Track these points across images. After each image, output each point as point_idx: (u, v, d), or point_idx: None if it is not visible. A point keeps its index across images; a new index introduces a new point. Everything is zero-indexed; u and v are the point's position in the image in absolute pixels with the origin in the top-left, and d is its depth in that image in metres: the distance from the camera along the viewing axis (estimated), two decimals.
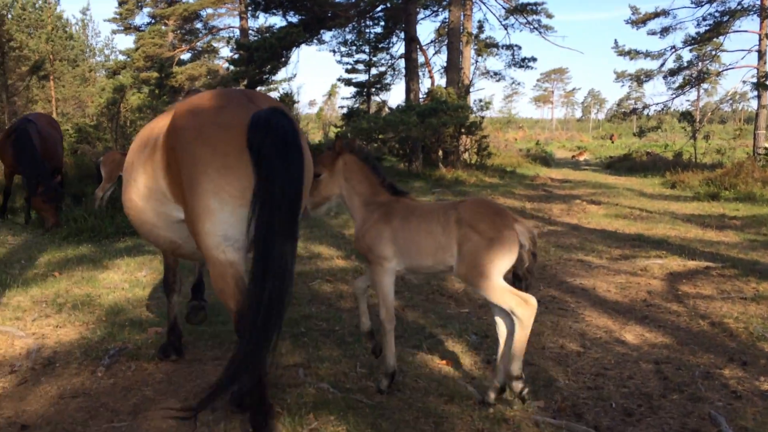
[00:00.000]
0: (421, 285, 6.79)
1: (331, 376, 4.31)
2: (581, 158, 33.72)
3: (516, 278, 3.76)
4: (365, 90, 28.93)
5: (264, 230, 3.18)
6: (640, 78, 29.17)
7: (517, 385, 3.69)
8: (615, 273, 7.44)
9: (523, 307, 3.56)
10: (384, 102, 29.51)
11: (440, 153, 19.82)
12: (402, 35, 24.94)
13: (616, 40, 27.94)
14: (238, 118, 3.36)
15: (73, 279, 6.70)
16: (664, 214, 12.03)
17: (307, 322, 5.46)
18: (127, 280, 6.71)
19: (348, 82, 29.10)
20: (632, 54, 27.36)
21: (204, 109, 3.51)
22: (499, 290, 3.59)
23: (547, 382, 4.30)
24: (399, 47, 27.60)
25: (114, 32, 36.57)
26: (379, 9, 21.14)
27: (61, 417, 3.73)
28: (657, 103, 28.79)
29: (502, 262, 3.63)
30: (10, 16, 26.66)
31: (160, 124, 3.86)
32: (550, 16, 21.33)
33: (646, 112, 30.48)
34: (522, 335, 3.61)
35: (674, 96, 27.97)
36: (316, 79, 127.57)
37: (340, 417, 3.67)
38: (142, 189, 3.84)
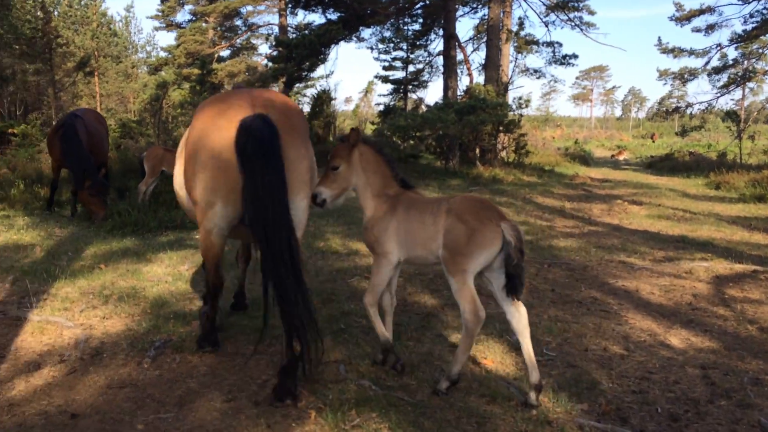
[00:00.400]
0: None
1: (371, 373, 4.32)
2: (621, 157, 33.18)
3: (508, 277, 3.83)
4: (402, 87, 28.91)
5: (257, 221, 3.70)
6: (684, 76, 28.50)
7: (443, 384, 3.95)
8: (658, 275, 7.30)
9: (473, 315, 3.80)
10: (421, 99, 29.44)
11: (478, 151, 19.69)
12: (440, 32, 24.87)
13: (659, 37, 27.33)
14: (232, 122, 3.89)
15: (118, 271, 6.84)
16: (708, 216, 11.76)
17: (347, 319, 5.48)
18: (170, 274, 6.83)
19: (385, 80, 29.11)
20: (676, 52, 26.77)
21: (209, 113, 4.16)
22: (466, 288, 3.84)
23: (591, 384, 4.24)
24: (437, 44, 27.53)
25: (156, 29, 37.42)
26: (417, 6, 21.10)
27: (109, 407, 3.82)
28: (701, 102, 28.14)
29: (481, 254, 3.79)
30: (56, 13, 27.33)
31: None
32: (592, 13, 21.03)
33: (689, 111, 29.81)
34: (466, 341, 3.85)
35: (719, 95, 27.29)
36: (352, 76, 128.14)
37: (382, 414, 3.68)
38: (179, 178, 4.58)
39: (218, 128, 4.01)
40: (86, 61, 20.43)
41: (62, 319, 5.27)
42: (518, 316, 3.91)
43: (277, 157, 3.78)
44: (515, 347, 4.89)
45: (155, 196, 10.76)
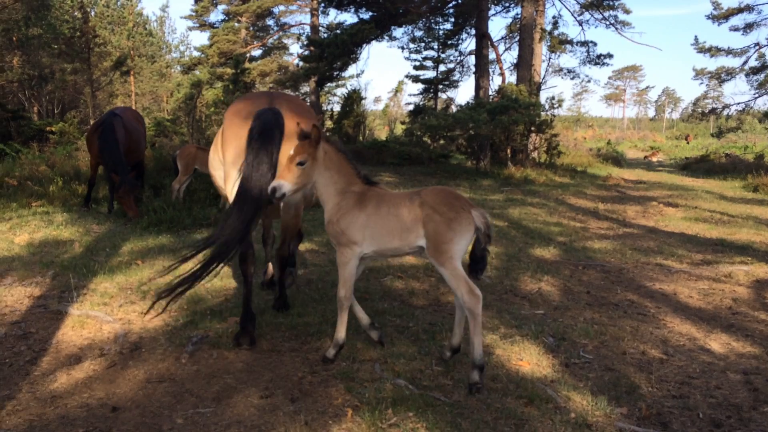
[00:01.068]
0: (493, 284, 6.72)
1: (407, 372, 4.31)
2: (654, 159, 32.70)
3: (473, 259, 4.20)
4: (433, 87, 28.85)
5: (245, 177, 4.60)
6: (721, 76, 27.90)
7: (474, 375, 4.08)
8: (697, 278, 7.17)
9: (471, 295, 4.06)
10: (451, 99, 29.35)
11: (509, 151, 19.54)
12: (472, 32, 24.75)
13: (696, 36, 27.00)
14: (250, 113, 4.87)
15: (154, 267, 6.93)
16: (747, 219, 11.51)
17: (381, 318, 5.48)
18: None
19: (416, 79, 29.09)
20: (713, 51, 26.23)
21: (238, 106, 5.20)
22: (457, 273, 4.09)
23: (630, 388, 4.18)
24: (468, 44, 27.43)
25: (189, 29, 37.78)
26: (450, 5, 21.00)
27: (148, 401, 3.87)
28: (738, 103, 27.54)
29: (462, 239, 4.09)
30: (93, 13, 27.85)
31: None
32: (627, 12, 20.68)
33: (725, 112, 29.22)
34: (475, 323, 4.09)
35: (756, 95, 26.67)
36: (381, 76, 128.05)
37: (419, 414, 3.67)
38: (214, 161, 5.44)
39: (241, 117, 4.99)
40: (123, 60, 20.78)
41: (101, 313, 5.36)
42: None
43: (270, 139, 4.69)
44: (551, 349, 4.84)
45: (189, 194, 10.88)
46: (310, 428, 3.54)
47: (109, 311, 5.46)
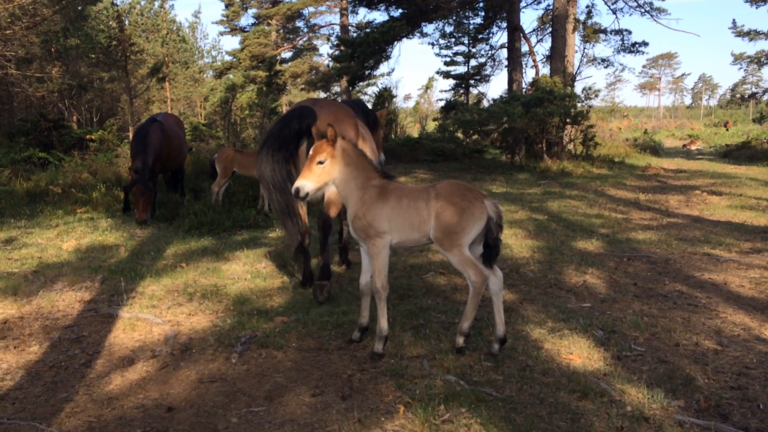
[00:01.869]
0: (538, 279, 6.64)
1: (456, 368, 4.28)
2: (693, 147, 32.01)
3: (486, 246, 4.37)
4: (464, 82, 28.70)
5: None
6: (761, 60, 27.23)
7: (459, 340, 4.54)
8: (747, 267, 6.98)
9: (478, 275, 4.31)
10: (483, 94, 29.16)
11: (544, 144, 19.31)
12: (503, 25, 24.54)
13: (734, 20, 26.22)
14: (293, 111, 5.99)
15: (198, 270, 7.02)
16: None
17: (426, 315, 5.46)
18: (248, 271, 6.97)
19: (446, 75, 28.98)
20: (752, 35, 25.58)
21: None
22: (464, 257, 4.32)
23: (686, 380, 4.08)
24: (499, 37, 27.35)
25: (221, 34, 38.15)
26: None
27: (202, 400, 3.92)
28: None
29: (473, 228, 4.30)
30: (127, 21, 28.36)
31: None
32: None
33: (766, 96, 28.48)
34: (474, 299, 4.40)
35: None
36: (409, 74, 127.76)
37: (472, 409, 3.64)
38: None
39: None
40: (159, 67, 21.11)
41: (151, 315, 5.45)
42: (495, 279, 4.48)
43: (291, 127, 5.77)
44: (601, 342, 4.76)
45: (229, 196, 11.01)
46: (363, 425, 3.54)
47: (157, 313, 5.55)
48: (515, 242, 8.42)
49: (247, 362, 4.50)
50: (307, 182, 4.32)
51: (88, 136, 18.14)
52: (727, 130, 48.59)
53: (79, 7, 19.22)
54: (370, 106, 34.72)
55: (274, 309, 5.64)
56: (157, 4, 30.77)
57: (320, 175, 4.36)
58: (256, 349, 4.73)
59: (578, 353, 4.56)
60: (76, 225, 9.55)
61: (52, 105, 21.44)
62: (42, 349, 4.76)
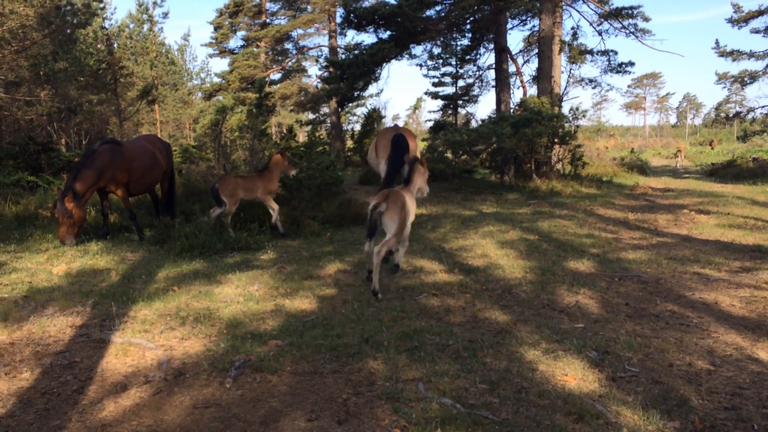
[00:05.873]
0: (530, 299, 6.66)
1: (452, 390, 4.28)
2: (680, 157, 33.59)
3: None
4: (452, 102, 28.93)
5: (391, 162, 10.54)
6: (744, 79, 27.63)
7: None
8: (737, 286, 7.04)
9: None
10: (471, 114, 29.39)
11: (533, 164, 19.45)
12: (490, 46, 24.81)
13: (717, 40, 26.59)
14: (389, 135, 10.81)
15: (191, 293, 6.99)
16: None
17: (420, 337, 5.45)
18: (241, 294, 6.94)
19: (435, 96, 29.23)
20: (735, 55, 26.02)
21: (383, 133, 11.34)
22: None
23: (680, 401, 4.10)
24: (486, 58, 27.64)
25: (210, 56, 38.31)
26: (468, 21, 21.08)
27: (197, 426, 3.88)
28: (763, 106, 27.21)
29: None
30: (116, 45, 28.42)
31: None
32: (647, 19, 20.54)
33: (750, 115, 28.88)
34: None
35: None
36: (398, 95, 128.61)
37: None
38: (372, 154, 11.46)
39: (386, 137, 10.82)
40: (149, 89, 21.13)
41: (143, 340, 5.42)
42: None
43: (404, 146, 10.36)
44: (595, 363, 4.78)
45: (220, 219, 10.96)
46: None
47: (150, 338, 5.51)
48: (507, 263, 8.45)
49: (241, 387, 4.48)
50: (425, 188, 7.87)
51: (77, 159, 18.06)
52: (712, 148, 49.23)
53: (68, 31, 19.26)
54: (358, 126, 34.86)
55: (268, 332, 5.62)
56: (146, 27, 30.86)
57: (420, 184, 7.76)
58: (250, 373, 4.70)
59: (573, 375, 4.57)
60: (66, 249, 9.49)
61: (41, 128, 21.37)
62: (34, 376, 4.71)
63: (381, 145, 10.89)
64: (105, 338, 5.47)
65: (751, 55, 26.11)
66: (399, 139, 10.46)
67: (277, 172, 10.87)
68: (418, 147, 11.35)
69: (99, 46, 25.39)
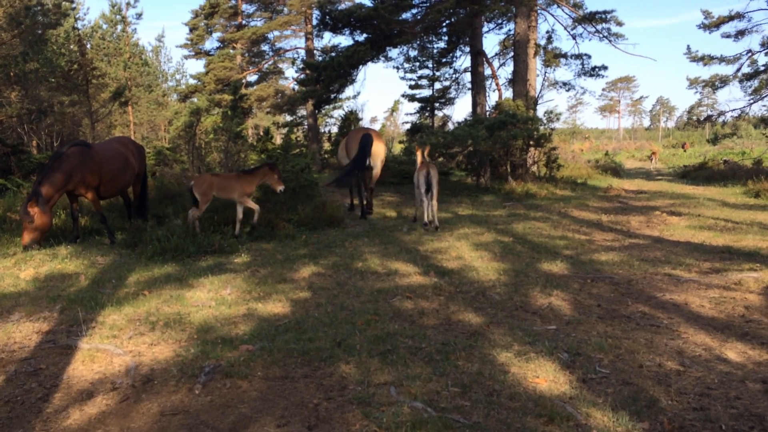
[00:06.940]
0: (504, 301, 6.68)
1: (424, 394, 4.26)
2: (655, 158, 34.24)
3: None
4: (429, 105, 28.99)
5: (355, 162, 13.22)
6: (715, 84, 28.06)
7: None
8: (707, 287, 7.13)
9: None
10: (447, 116, 29.49)
11: (508, 166, 19.57)
12: (466, 49, 24.91)
13: (688, 45, 27.08)
14: (359, 135, 13.45)
15: (161, 297, 6.89)
16: (751, 225, 11.50)
17: (393, 340, 5.43)
18: (213, 298, 6.86)
19: (412, 98, 29.25)
20: (706, 59, 26.41)
21: (353, 133, 13.94)
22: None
23: (649, 402, 4.12)
24: (462, 61, 27.71)
25: (185, 57, 38.01)
26: (444, 24, 21.14)
27: None
28: (733, 110, 27.68)
29: None
30: (89, 45, 28.01)
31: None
32: (620, 24, 20.78)
33: (721, 119, 29.36)
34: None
35: (751, 101, 26.78)
36: (375, 97, 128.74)
37: None
38: (342, 152, 14.34)
39: (356, 137, 13.31)
40: (122, 91, 20.85)
41: (111, 346, 5.32)
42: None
43: (369, 146, 12.99)
44: (567, 365, 4.80)
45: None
46: None
47: (118, 344, 5.42)
48: (481, 264, 8.47)
49: (210, 393, 4.41)
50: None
51: (47, 161, 17.75)
52: (684, 151, 49.98)
53: (39, 31, 18.94)
54: (335, 129, 34.82)
55: (239, 337, 5.56)
56: (119, 28, 30.48)
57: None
58: (220, 379, 4.64)
59: (544, 377, 4.58)
60: (34, 253, 9.30)
61: (11, 130, 20.97)
62: None
63: (351, 143, 13.16)
64: (72, 344, 5.36)
65: (722, 59, 26.52)
66: (367, 139, 12.88)
67: (259, 180, 10.83)
68: (385, 148, 13.77)
69: (71, 46, 25.00)
